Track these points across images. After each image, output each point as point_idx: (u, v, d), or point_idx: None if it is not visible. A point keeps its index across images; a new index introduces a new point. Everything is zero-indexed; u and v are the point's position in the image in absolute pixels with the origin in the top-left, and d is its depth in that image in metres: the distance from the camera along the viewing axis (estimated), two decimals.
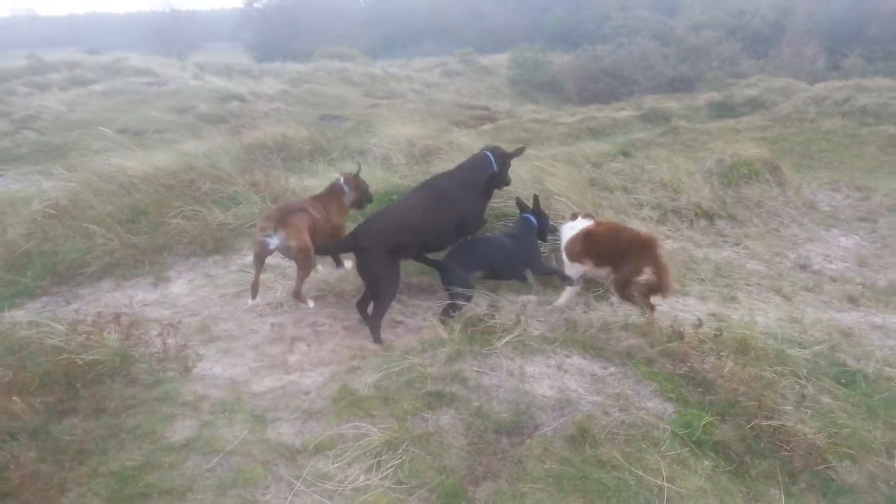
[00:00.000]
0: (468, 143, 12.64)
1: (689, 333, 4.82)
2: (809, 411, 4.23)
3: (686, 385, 4.44)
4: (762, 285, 7.65)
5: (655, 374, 4.50)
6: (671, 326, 5.02)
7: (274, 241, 5.38)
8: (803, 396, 4.31)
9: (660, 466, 3.50)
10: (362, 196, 6.27)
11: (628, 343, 4.88)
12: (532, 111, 27.93)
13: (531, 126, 22.79)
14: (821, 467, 3.80)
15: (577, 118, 23.60)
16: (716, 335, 4.86)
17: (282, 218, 5.38)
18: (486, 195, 6.00)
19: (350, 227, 5.95)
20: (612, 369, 4.52)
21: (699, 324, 5.00)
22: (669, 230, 9.74)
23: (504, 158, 6.06)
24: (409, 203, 5.56)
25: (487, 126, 22.89)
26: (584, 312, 5.81)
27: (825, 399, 4.51)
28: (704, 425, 3.93)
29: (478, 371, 4.16)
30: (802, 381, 4.69)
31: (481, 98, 32.78)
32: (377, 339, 5.11)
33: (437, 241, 5.58)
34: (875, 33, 38.03)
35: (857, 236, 10.14)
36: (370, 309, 5.28)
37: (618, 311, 5.83)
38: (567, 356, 4.55)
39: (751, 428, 3.98)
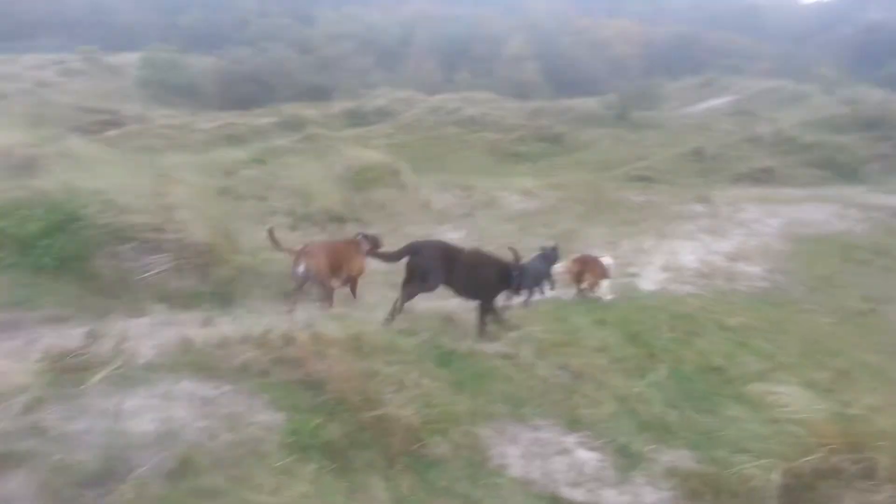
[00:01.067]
0: (85, 153, 11.30)
1: (301, 337, 4.93)
2: (409, 395, 4.67)
3: (300, 391, 4.53)
4: (383, 282, 8.23)
5: (269, 384, 4.51)
6: (286, 332, 5.09)
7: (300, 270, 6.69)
8: (402, 382, 4.73)
9: (266, 481, 3.51)
10: (377, 245, 7.42)
11: (245, 357, 4.81)
12: (166, 116, 26.19)
13: (165, 132, 21.34)
14: (416, 446, 4.23)
15: (215, 124, 22.82)
16: (321, 336, 5.04)
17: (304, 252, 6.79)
18: None
19: None
20: (226, 388, 4.40)
21: (310, 326, 5.16)
22: (301, 235, 9.95)
23: None
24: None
25: (113, 132, 20.78)
26: (204, 326, 5.60)
27: (425, 381, 5.02)
28: (312, 428, 4.06)
29: (63, 418, 3.67)
30: (409, 368, 5.16)
31: (108, 101, 29.60)
32: None
33: None
34: (480, 52, 44.35)
35: (463, 230, 11.63)
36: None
37: (239, 323, 5.73)
38: (176, 382, 4.30)
39: (357, 422, 4.24)
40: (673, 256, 11.57)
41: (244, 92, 32.27)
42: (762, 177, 19.34)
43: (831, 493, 3.85)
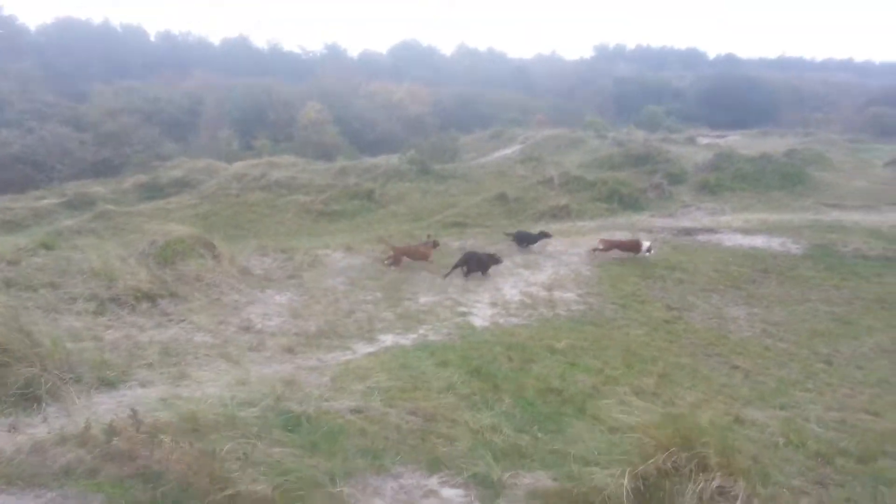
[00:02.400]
0: None
1: (126, 428, 4.35)
2: (261, 467, 4.27)
3: (138, 485, 3.98)
4: (210, 355, 7.65)
5: (101, 484, 3.91)
6: (109, 425, 4.47)
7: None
8: (246, 456, 4.33)
9: None
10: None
11: (66, 459, 4.14)
12: None
13: None
14: None
15: None
16: (150, 423, 4.51)
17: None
18: None
19: None
20: (50, 496, 3.74)
21: (134, 414, 4.57)
22: (110, 320, 8.98)
23: None
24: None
25: None
26: (10, 433, 4.74)
27: (275, 450, 4.64)
28: None
29: None
30: (252, 440, 4.73)
31: None
32: None
33: None
34: (274, 118, 44.00)
35: (288, 292, 11.20)
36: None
37: (53, 423, 4.93)
38: None
39: None
40: (498, 292, 12.04)
41: (16, 174, 29.01)
42: (560, 213, 20.94)
43: (675, 490, 4.07)
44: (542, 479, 4.80)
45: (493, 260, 13.36)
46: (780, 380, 8.94)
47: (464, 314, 10.53)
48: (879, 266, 14.82)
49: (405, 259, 13.50)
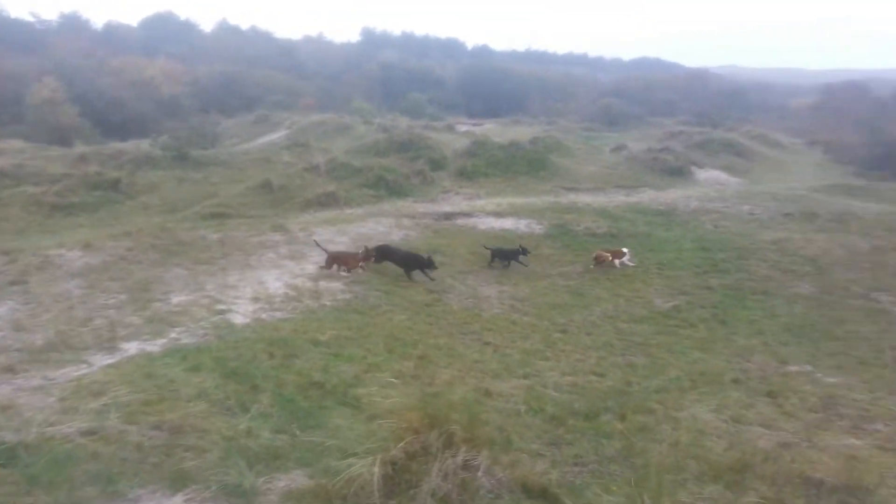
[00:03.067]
0: None
1: None
2: None
3: None
4: None
5: None
6: None
7: None
8: None
9: None
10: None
11: None
12: None
13: None
14: None
15: None
16: None
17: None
18: None
19: None
20: None
21: None
22: None
23: None
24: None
25: None
26: None
27: None
28: None
29: None
30: None
31: None
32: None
33: None
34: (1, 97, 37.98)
35: (10, 301, 9.78)
36: None
37: None
38: None
39: None
40: (261, 286, 11.67)
41: None
42: (327, 201, 20.82)
43: (422, 470, 4.29)
44: (298, 479, 4.77)
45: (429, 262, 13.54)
46: (524, 351, 9.86)
47: (223, 312, 10.04)
48: (605, 242, 16.92)
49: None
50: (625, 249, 15.65)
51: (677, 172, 28.71)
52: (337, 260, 13.20)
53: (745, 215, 20.41)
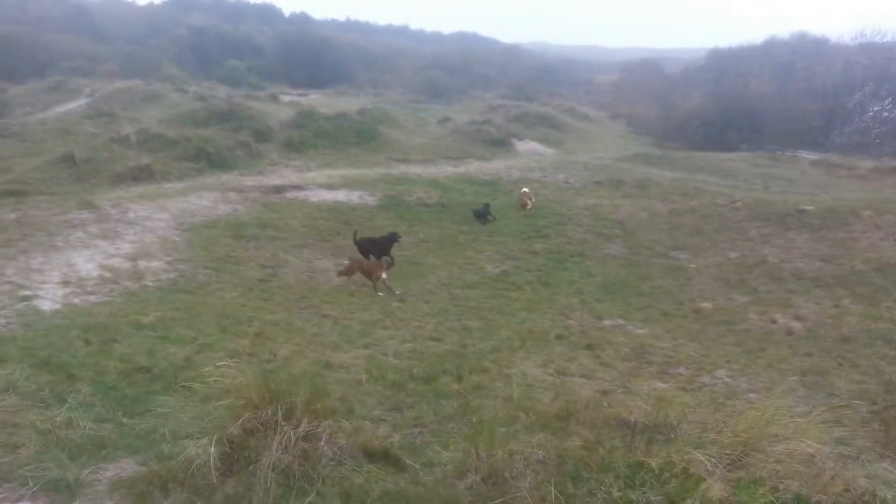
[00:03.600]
0: None
1: None
2: None
3: None
4: None
5: None
6: None
7: None
8: None
9: None
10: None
11: None
12: None
13: None
14: None
15: None
16: None
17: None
18: None
19: None
20: None
21: None
22: None
23: None
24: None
25: None
26: None
27: None
28: None
29: None
30: None
31: None
32: None
33: None
34: None
35: None
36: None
37: None
38: None
39: None
40: (71, 269, 10.62)
41: None
42: (141, 175, 19.24)
43: (261, 445, 4.21)
44: (128, 467, 4.47)
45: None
46: (364, 322, 9.89)
47: (27, 298, 9.01)
48: (437, 212, 17.38)
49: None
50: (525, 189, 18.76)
51: (500, 144, 30.02)
52: (361, 267, 12.16)
53: (561, 184, 21.83)
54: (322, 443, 4.26)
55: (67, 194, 16.34)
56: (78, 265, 10.85)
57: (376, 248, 13.18)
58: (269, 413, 4.22)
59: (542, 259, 14.61)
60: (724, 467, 3.88)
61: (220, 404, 4.71)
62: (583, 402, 6.12)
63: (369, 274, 12.09)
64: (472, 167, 24.25)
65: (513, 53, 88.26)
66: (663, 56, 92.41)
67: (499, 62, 77.89)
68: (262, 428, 4.19)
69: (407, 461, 4.61)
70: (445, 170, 23.40)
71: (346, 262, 12.38)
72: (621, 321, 11.07)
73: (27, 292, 9.22)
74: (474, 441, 4.42)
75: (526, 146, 31.32)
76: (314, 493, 4.02)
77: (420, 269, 13.46)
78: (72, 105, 30.48)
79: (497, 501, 3.86)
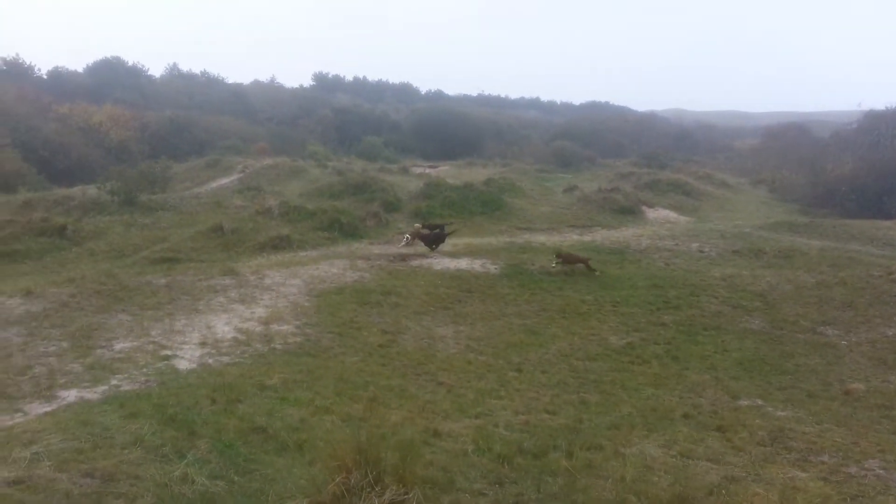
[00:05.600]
0: None
1: None
2: None
3: None
4: None
5: None
6: None
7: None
8: None
9: None
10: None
11: None
12: None
13: None
14: None
15: None
16: None
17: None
18: None
19: None
20: None
21: None
22: None
23: None
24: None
25: None
26: None
27: None
28: None
29: None
30: None
31: None
32: None
33: None
34: None
35: None
36: None
37: None
38: None
39: None
40: (209, 331, 11.40)
41: None
42: (280, 244, 20.62)
43: None
44: None
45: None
46: (478, 390, 9.76)
47: (167, 358, 9.75)
48: (560, 281, 17.09)
49: None
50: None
51: (628, 212, 29.34)
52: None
53: (694, 253, 20.88)
54: None
55: (214, 262, 17.74)
56: (216, 327, 11.63)
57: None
58: (358, 477, 4.20)
59: (671, 332, 13.87)
60: None
61: (319, 466, 4.76)
62: (705, 488, 5.61)
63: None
64: (599, 235, 23.82)
65: (646, 121, 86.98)
66: (809, 119, 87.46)
67: (631, 130, 76.93)
68: (349, 494, 4.17)
69: None
70: (570, 238, 23.14)
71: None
72: (759, 402, 10.18)
73: (168, 352, 9.98)
74: None
75: (657, 214, 30.41)
76: None
77: (540, 338, 13.18)
78: (225, 181, 33.44)
79: None
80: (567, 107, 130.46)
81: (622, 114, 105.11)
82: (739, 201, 37.00)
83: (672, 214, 30.56)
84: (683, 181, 37.41)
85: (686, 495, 5.08)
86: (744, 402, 10.14)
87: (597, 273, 17.62)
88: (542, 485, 5.73)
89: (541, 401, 9.52)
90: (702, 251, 21.08)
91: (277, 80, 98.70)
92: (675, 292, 16.42)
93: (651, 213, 30.20)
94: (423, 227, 20.24)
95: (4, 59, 68.18)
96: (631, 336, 13.54)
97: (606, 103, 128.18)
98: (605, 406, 9.42)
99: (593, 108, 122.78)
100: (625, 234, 24.03)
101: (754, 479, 6.41)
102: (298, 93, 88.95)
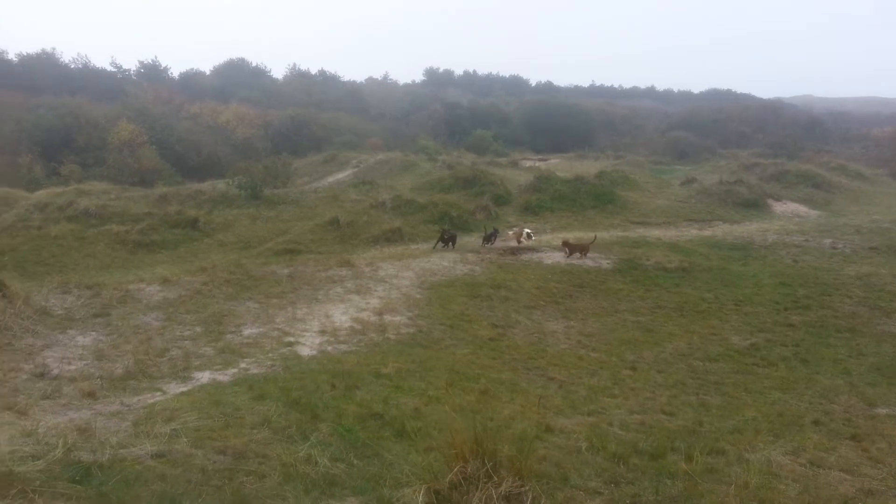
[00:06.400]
0: None
1: None
2: None
3: None
4: None
5: None
6: None
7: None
8: None
9: None
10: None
11: None
12: None
13: None
14: None
15: None
16: None
17: None
18: None
19: None
20: None
21: None
22: None
23: None
24: None
25: None
26: None
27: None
28: None
29: None
30: (31, 496, 4.27)
31: None
32: None
33: None
34: (84, 142, 40.48)
35: (93, 332, 10.28)
36: None
37: None
38: None
39: None
40: (327, 319, 11.86)
41: None
42: (392, 237, 21.17)
43: (462, 499, 4.22)
44: None
45: None
46: (591, 388, 9.59)
47: (290, 344, 10.25)
48: (678, 277, 16.46)
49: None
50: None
51: (753, 205, 27.79)
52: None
53: (826, 249, 19.48)
54: None
55: (331, 253, 18.45)
56: (334, 317, 12.09)
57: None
58: (475, 467, 4.24)
59: (800, 333, 13.03)
60: None
61: (437, 455, 4.84)
62: (839, 499, 5.24)
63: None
64: (720, 230, 22.73)
65: (772, 109, 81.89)
66: None
67: (755, 118, 72.74)
68: (466, 483, 4.21)
69: None
70: (688, 233, 22.22)
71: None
72: None
73: (291, 339, 10.49)
74: None
75: (784, 207, 28.60)
76: None
77: (655, 336, 12.76)
78: (341, 175, 34.71)
79: None
80: (685, 95, 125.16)
81: (745, 101, 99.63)
82: (877, 194, 34.09)
83: (801, 208, 28.65)
84: (814, 172, 34.93)
85: None
86: (882, 411, 9.37)
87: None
88: (661, 487, 5.54)
89: (657, 401, 9.22)
90: (835, 247, 19.63)
91: (390, 77, 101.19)
92: (805, 291, 15.41)
93: (778, 207, 28.44)
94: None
95: (143, 62, 73.87)
96: (755, 336, 12.85)
97: (728, 91, 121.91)
98: (727, 409, 8.98)
99: (714, 96, 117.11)
100: (749, 228, 22.78)
101: (895, 494, 5.91)
102: (410, 88, 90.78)
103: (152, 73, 73.97)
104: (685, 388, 10.04)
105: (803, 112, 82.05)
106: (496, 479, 4.21)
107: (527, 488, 4.26)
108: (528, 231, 19.61)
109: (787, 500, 5.21)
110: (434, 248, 18.63)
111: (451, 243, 19.00)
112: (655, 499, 5.30)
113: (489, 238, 19.39)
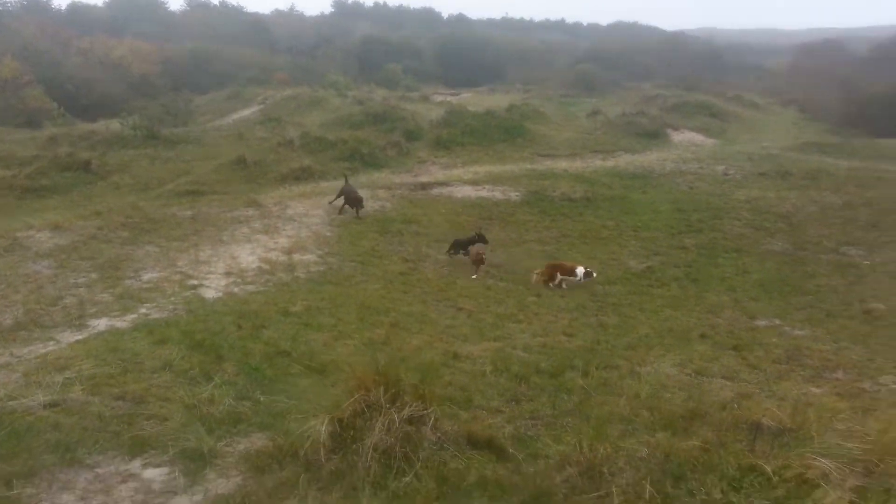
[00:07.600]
0: None
1: None
2: None
3: None
4: None
5: None
6: None
7: None
8: None
9: None
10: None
11: None
12: None
13: None
14: None
15: None
16: None
17: None
18: None
19: None
20: None
21: None
22: None
23: None
24: None
25: None
26: None
27: None
28: None
29: None
30: None
31: None
32: None
33: None
34: None
35: None
36: None
37: None
38: None
39: None
40: (234, 261, 11.61)
41: None
42: (302, 175, 20.67)
43: (366, 426, 4.37)
44: (257, 441, 4.82)
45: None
46: (498, 315, 9.92)
47: (194, 287, 10.00)
48: (582, 207, 17.00)
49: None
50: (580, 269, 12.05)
51: (653, 135, 28.78)
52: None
53: (719, 175, 20.53)
54: (427, 427, 4.34)
55: (237, 193, 17.89)
56: (240, 258, 11.85)
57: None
58: (378, 395, 4.37)
59: (692, 255, 13.85)
60: (855, 476, 3.46)
61: (340, 385, 4.94)
62: (718, 403, 5.73)
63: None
64: (622, 160, 23.47)
65: (675, 41, 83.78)
66: (849, 36, 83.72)
67: (659, 51, 74.25)
68: (369, 410, 4.35)
69: (511, 451, 4.58)
70: (593, 164, 22.84)
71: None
72: (777, 321, 10.23)
73: (194, 282, 10.23)
74: (580, 435, 4.28)
75: (682, 136, 29.76)
76: (412, 475, 4.12)
77: None
78: (246, 112, 33.34)
79: (591, 495, 3.72)
80: (593, 28, 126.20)
81: (650, 34, 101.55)
82: (769, 122, 36.01)
83: (698, 137, 29.91)
84: (711, 102, 36.43)
85: (698, 410, 5.20)
86: (761, 323, 10.20)
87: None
88: (558, 402, 5.89)
89: (559, 324, 9.66)
90: (727, 174, 20.72)
91: (297, 9, 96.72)
92: (698, 216, 16.28)
93: (677, 136, 29.58)
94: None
95: None
96: (651, 260, 13.55)
97: (634, 23, 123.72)
98: (623, 328, 9.53)
99: (620, 28, 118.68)
100: (649, 158, 23.64)
101: (768, 395, 6.51)
102: (319, 20, 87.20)
103: (35, 6, 67.69)
104: (585, 310, 10.54)
105: (705, 44, 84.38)
106: (399, 404, 4.35)
107: (430, 411, 4.43)
108: (585, 269, 12.07)
109: (673, 406, 5.64)
110: (448, 254, 13.35)
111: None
112: (552, 413, 5.64)
113: (462, 245, 13.33)
